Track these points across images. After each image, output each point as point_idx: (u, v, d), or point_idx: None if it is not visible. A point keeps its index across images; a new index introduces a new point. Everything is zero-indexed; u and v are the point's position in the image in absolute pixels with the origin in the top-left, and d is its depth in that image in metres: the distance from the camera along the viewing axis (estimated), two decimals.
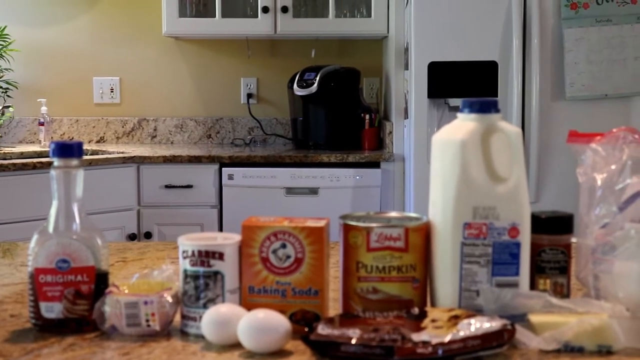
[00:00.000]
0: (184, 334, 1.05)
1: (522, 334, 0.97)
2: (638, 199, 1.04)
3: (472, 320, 0.96)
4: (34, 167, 3.22)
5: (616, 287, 1.03)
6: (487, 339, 0.94)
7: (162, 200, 3.53)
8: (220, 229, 3.51)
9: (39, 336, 1.05)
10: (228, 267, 1.05)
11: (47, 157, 3.41)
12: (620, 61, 3.14)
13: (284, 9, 3.80)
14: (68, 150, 1.07)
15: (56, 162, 1.07)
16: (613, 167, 1.07)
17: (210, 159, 3.53)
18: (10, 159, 3.52)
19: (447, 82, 3.24)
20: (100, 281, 1.07)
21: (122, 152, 3.62)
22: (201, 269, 1.04)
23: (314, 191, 3.53)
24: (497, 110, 1.06)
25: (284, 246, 1.05)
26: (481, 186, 1.03)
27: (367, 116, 3.80)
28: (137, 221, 3.52)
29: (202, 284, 1.04)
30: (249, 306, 1.04)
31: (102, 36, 4.19)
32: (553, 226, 1.10)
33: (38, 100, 4.00)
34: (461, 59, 3.22)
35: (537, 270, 1.10)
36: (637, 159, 1.07)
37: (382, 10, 3.82)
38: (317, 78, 3.70)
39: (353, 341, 0.93)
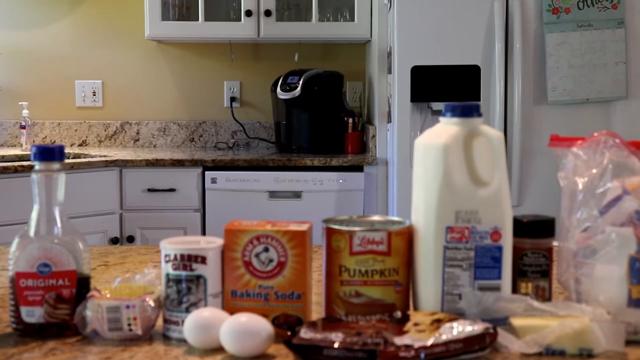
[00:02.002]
0: (166, 338, 1.05)
1: (504, 337, 0.98)
2: (619, 202, 1.05)
3: (455, 324, 0.97)
4: (15, 170, 3.20)
5: (597, 290, 1.04)
6: (469, 343, 0.94)
7: (144, 204, 3.52)
8: (203, 233, 3.50)
9: (20, 341, 1.04)
10: (210, 271, 1.04)
11: (29, 160, 3.39)
12: (602, 66, 3.17)
13: (267, 13, 3.80)
14: (49, 154, 1.06)
15: (37, 165, 1.06)
16: (594, 171, 1.08)
17: (193, 163, 3.53)
18: None
19: (430, 86, 3.25)
20: (82, 285, 1.07)
21: (105, 156, 3.61)
22: (183, 273, 1.04)
23: (297, 195, 3.52)
24: (479, 114, 1.07)
25: (266, 250, 1.04)
26: (463, 190, 1.04)
27: (351, 120, 3.81)
28: (119, 225, 3.51)
29: (185, 288, 1.04)
30: (231, 310, 1.04)
31: (84, 39, 4.17)
32: (535, 230, 1.11)
33: (19, 103, 3.97)
34: (444, 63, 3.23)
35: (519, 273, 1.10)
36: (618, 163, 1.08)
37: (365, 14, 3.82)
38: (301, 82, 3.70)
39: (336, 345, 0.93)
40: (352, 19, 3.87)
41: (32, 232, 1.06)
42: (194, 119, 4.23)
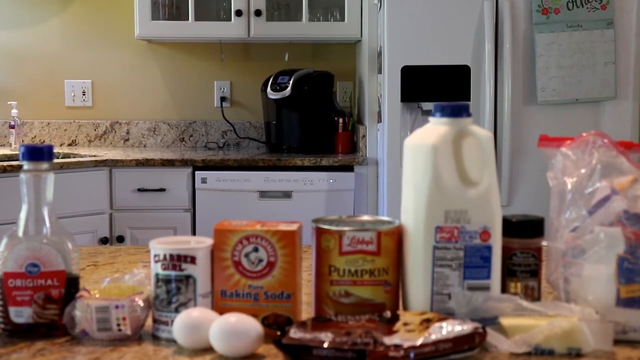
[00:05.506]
0: (155, 339, 1.05)
1: (493, 337, 0.98)
2: (607, 202, 1.05)
3: (444, 324, 0.97)
4: (4, 170, 3.19)
5: (586, 290, 1.04)
6: (458, 342, 0.94)
7: (134, 204, 3.51)
8: (194, 233, 3.50)
9: (8, 341, 1.03)
10: (200, 271, 1.04)
11: (18, 160, 3.37)
12: (590, 66, 3.18)
13: (258, 13, 3.80)
14: (38, 153, 1.06)
15: (26, 165, 1.06)
16: (583, 171, 1.08)
17: (184, 163, 3.52)
18: None
19: (420, 86, 3.25)
20: (71, 285, 1.06)
21: (94, 156, 3.60)
22: (173, 273, 1.04)
23: (287, 195, 3.52)
24: (468, 114, 1.07)
25: (256, 250, 1.04)
26: (453, 190, 1.04)
27: (341, 120, 3.81)
28: (109, 225, 3.50)
29: (174, 287, 1.04)
30: (221, 310, 1.03)
31: (73, 39, 4.16)
32: (524, 230, 1.11)
33: (9, 102, 3.96)
34: (434, 63, 3.23)
35: (508, 273, 1.10)
36: (607, 163, 1.08)
37: (355, 14, 3.82)
38: (291, 82, 3.70)
39: (325, 345, 0.93)
40: (342, 19, 3.87)
41: (20, 232, 1.05)
42: (184, 119, 4.22)
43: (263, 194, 3.52)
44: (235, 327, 0.97)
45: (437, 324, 0.97)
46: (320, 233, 1.05)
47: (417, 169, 1.06)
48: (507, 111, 3.18)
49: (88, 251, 1.58)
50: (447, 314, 1.03)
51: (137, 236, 3.50)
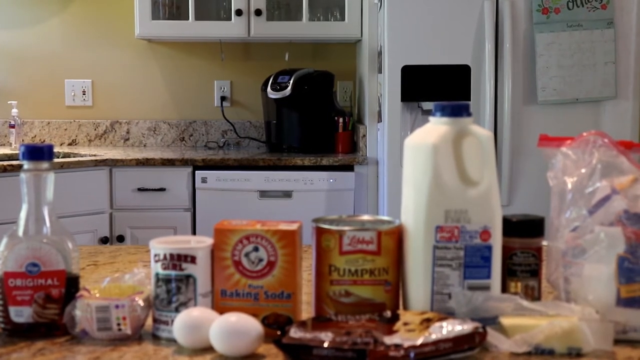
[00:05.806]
0: (155, 338, 1.05)
1: (493, 336, 0.98)
2: (607, 202, 1.05)
3: (444, 323, 0.97)
4: (5, 169, 3.19)
5: (586, 290, 1.04)
6: (458, 342, 0.94)
7: (134, 204, 3.51)
8: (194, 232, 3.50)
9: (8, 341, 1.03)
10: (200, 271, 1.04)
11: (18, 159, 3.37)
12: (591, 66, 3.18)
13: (258, 12, 3.80)
14: (38, 153, 1.06)
15: (26, 165, 1.06)
16: (583, 170, 1.08)
17: (184, 162, 3.52)
18: None
19: (420, 85, 3.25)
20: (71, 285, 1.06)
21: (95, 155, 3.60)
22: (173, 273, 1.04)
23: (287, 194, 3.52)
24: (468, 114, 1.07)
25: (256, 249, 1.04)
26: (453, 190, 1.04)
27: (341, 119, 3.81)
28: (109, 224, 3.50)
29: (174, 287, 1.04)
30: (221, 310, 1.03)
31: (74, 38, 4.15)
32: (524, 229, 1.11)
33: (9, 102, 3.96)
34: (434, 63, 3.23)
35: (509, 273, 1.10)
36: (607, 163, 1.08)
37: (355, 14, 3.82)
38: (291, 81, 3.70)
39: (325, 344, 0.93)
40: (343, 19, 3.87)
41: (20, 232, 1.05)
42: (184, 118, 4.22)
43: (263, 194, 3.52)
44: (235, 326, 0.97)
45: (437, 324, 0.97)
46: (320, 233, 1.05)
47: (417, 169, 1.06)
48: (507, 111, 3.18)
49: (88, 251, 1.58)
50: (448, 314, 1.03)
51: (137, 236, 3.50)
